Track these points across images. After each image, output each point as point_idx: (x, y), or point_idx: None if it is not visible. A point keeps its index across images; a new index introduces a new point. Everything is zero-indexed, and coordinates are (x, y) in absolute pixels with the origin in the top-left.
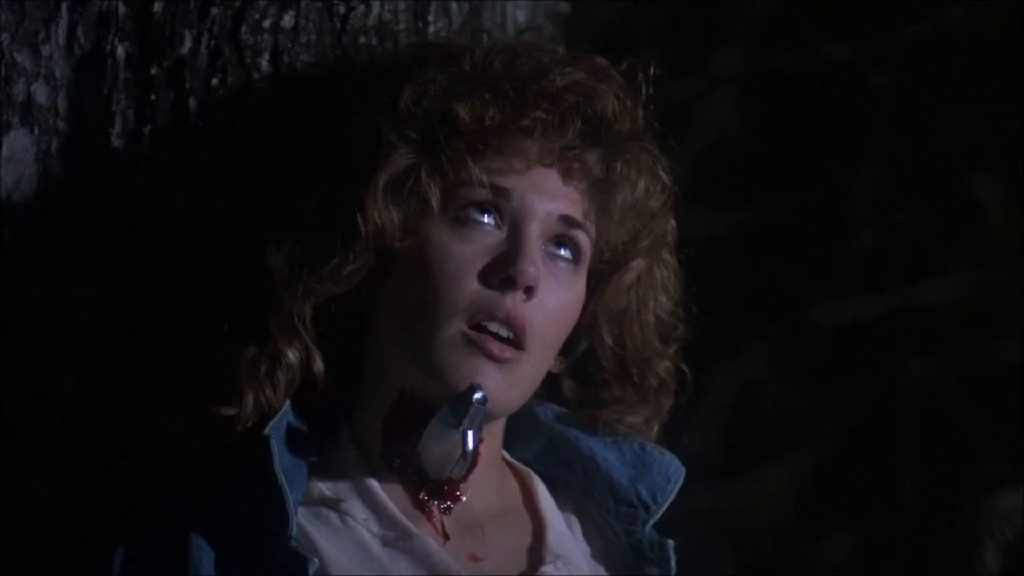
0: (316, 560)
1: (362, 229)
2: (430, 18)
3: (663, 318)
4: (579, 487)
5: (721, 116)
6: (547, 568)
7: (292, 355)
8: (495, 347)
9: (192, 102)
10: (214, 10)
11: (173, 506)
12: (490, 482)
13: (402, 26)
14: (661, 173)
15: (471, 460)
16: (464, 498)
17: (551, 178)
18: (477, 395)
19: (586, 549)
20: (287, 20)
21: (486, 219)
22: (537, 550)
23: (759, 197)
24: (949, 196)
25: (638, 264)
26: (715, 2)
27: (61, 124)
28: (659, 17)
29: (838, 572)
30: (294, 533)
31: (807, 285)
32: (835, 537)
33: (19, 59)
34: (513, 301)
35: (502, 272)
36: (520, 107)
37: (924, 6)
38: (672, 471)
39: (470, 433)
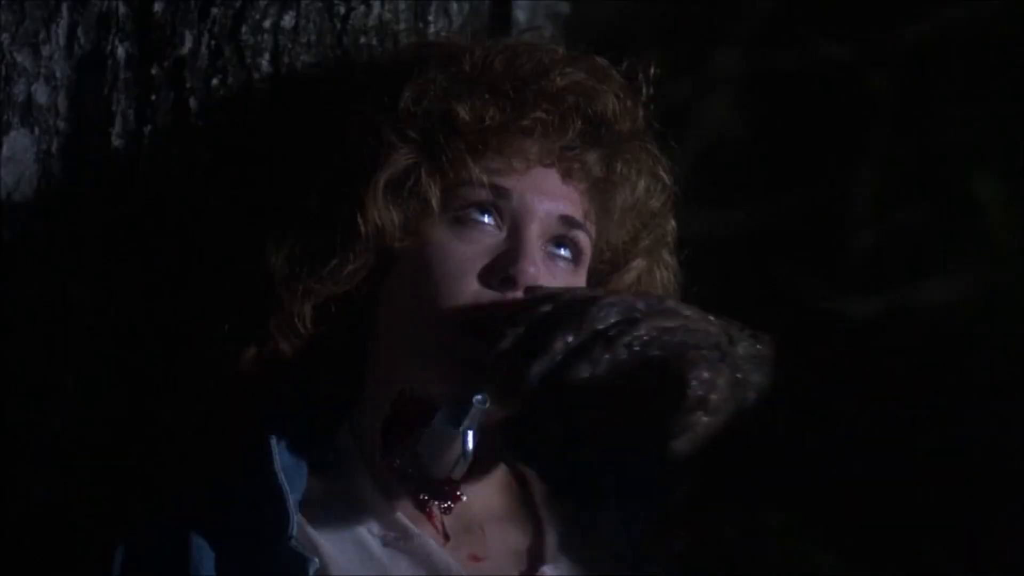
0: (316, 560)
1: (362, 229)
2: (430, 18)
3: None
4: (579, 487)
5: (721, 116)
6: (547, 568)
7: (292, 355)
8: None
9: (192, 102)
10: (214, 10)
11: (173, 506)
12: (490, 482)
13: (402, 26)
14: (661, 173)
15: (471, 460)
16: (464, 498)
17: (551, 178)
18: (477, 395)
19: (586, 549)
20: (287, 20)
21: (486, 219)
22: (537, 550)
23: (759, 197)
24: (949, 196)
25: (638, 264)
26: (715, 2)
27: (61, 124)
28: (659, 17)
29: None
30: (294, 533)
31: (807, 285)
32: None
33: (19, 59)
34: None
35: (502, 272)
36: (520, 107)
37: (924, 6)
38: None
39: (470, 433)
